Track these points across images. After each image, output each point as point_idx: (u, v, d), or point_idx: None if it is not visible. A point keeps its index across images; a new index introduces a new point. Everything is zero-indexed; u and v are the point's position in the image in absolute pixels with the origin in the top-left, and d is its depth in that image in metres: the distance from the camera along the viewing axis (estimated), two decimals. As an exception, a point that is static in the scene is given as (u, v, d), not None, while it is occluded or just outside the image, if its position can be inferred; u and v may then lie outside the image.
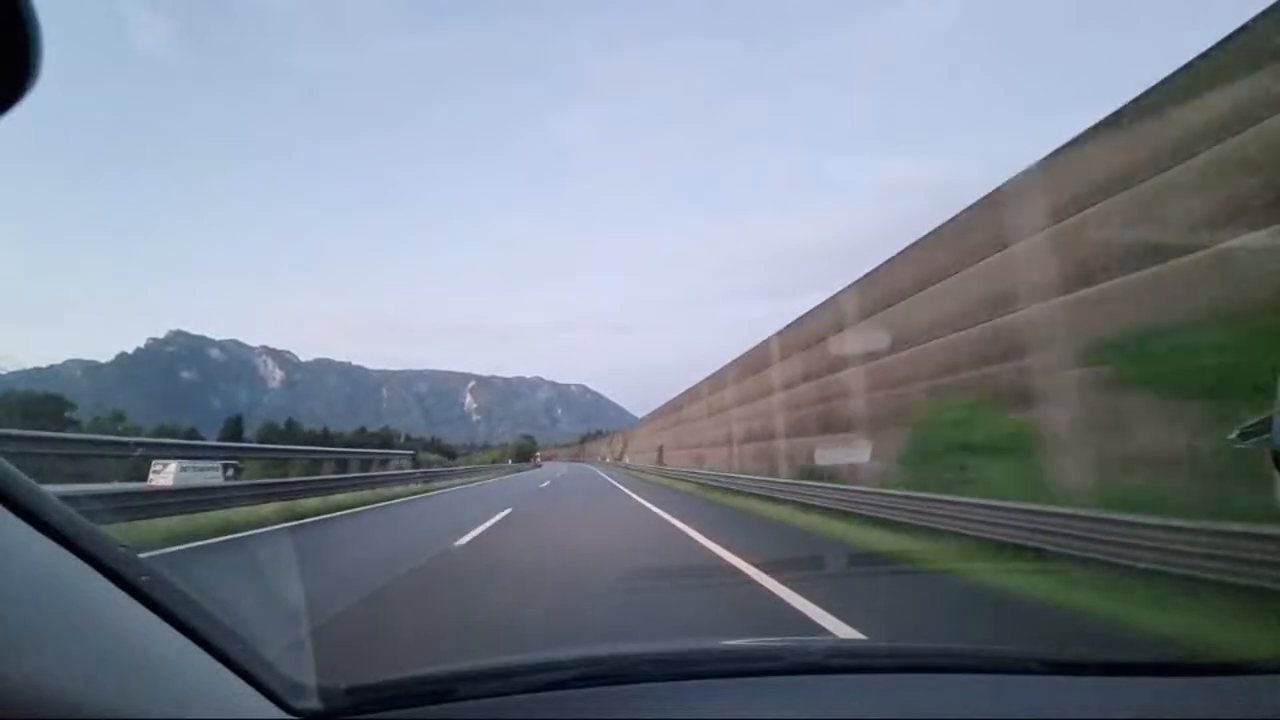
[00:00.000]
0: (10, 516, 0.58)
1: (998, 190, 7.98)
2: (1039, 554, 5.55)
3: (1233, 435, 1.38)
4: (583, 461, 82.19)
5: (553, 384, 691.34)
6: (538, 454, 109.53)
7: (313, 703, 0.91)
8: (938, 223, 9.36)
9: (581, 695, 1.08)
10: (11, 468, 0.60)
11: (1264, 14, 4.90)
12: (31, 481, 0.60)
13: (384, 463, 24.65)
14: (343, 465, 21.72)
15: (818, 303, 14.09)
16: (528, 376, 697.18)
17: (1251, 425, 1.32)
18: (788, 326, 15.84)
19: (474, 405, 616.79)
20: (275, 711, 0.82)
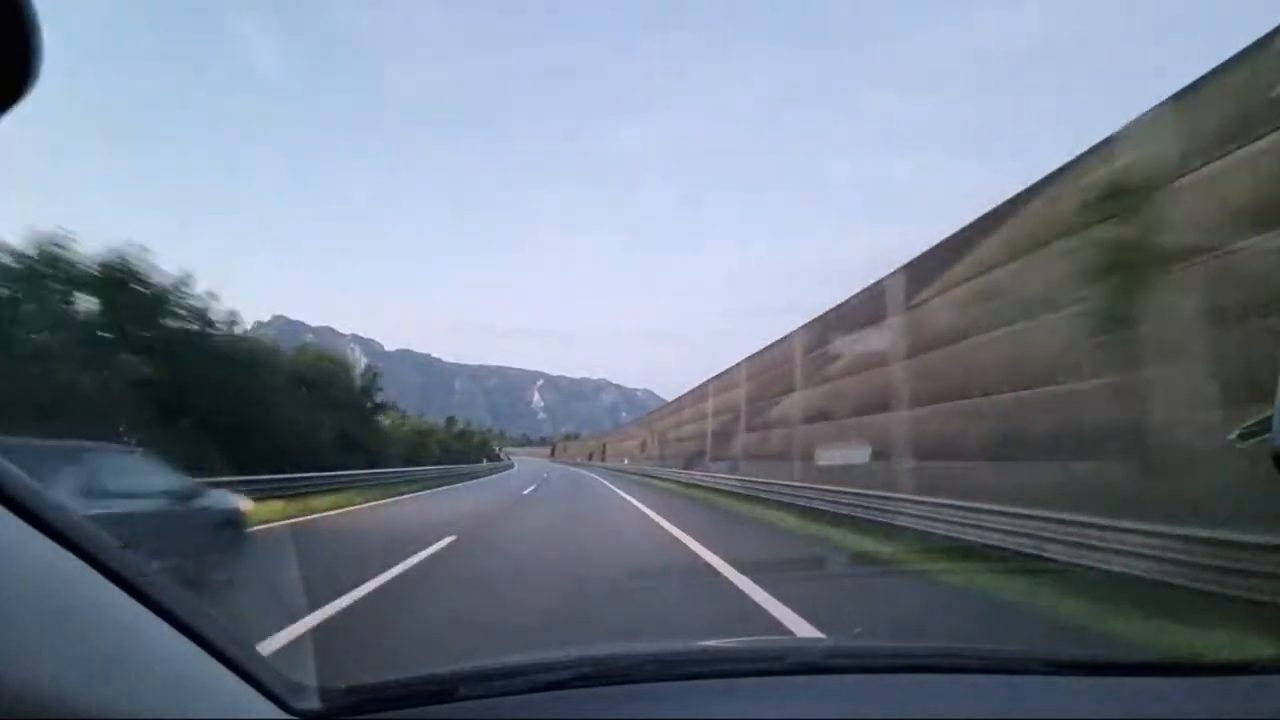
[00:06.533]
0: (10, 516, 0.57)
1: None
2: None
3: (1233, 435, 1.30)
4: (642, 470, 35.68)
5: (619, 387, 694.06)
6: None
7: (313, 703, 0.92)
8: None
9: (582, 695, 1.07)
10: (12, 467, 0.59)
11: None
12: (31, 481, 0.60)
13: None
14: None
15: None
16: (594, 378, 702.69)
17: (1251, 425, 1.26)
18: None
19: (541, 403, 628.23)
20: (275, 711, 0.82)
